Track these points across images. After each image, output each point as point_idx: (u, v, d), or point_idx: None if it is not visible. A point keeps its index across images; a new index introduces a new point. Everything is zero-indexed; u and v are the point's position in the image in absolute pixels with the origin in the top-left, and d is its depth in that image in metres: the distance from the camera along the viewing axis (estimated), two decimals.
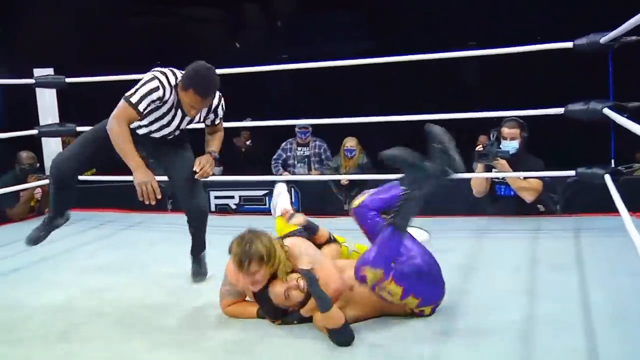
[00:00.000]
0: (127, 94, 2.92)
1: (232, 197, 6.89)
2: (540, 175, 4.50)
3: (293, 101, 8.84)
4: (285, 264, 2.73)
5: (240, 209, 6.79)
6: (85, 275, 3.62)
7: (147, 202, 2.82)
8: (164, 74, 3.02)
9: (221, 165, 8.14)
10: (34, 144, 5.73)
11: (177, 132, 3.22)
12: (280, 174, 6.84)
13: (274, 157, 6.97)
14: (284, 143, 7.02)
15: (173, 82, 3.01)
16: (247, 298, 2.94)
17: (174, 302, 3.10)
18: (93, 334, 2.76)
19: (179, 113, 3.11)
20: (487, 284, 3.15)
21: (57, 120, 5.56)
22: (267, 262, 2.69)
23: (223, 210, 6.78)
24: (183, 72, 3.00)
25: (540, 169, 4.52)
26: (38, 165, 5.60)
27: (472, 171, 4.65)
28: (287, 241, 2.85)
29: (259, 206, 6.73)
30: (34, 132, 5.41)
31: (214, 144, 3.26)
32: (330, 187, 6.67)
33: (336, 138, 6.87)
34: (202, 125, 3.33)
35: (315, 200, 6.53)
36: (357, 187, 6.42)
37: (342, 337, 2.51)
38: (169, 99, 3.02)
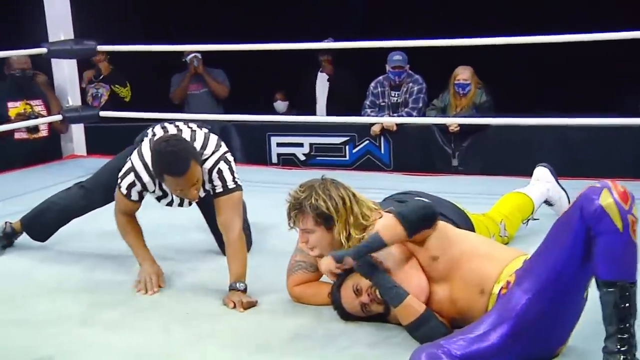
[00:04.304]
0: (118, 180, 3.33)
1: (301, 145, 6.91)
2: None
3: (383, 19, 8.71)
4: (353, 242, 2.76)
5: (310, 161, 6.82)
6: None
7: (143, 293, 3.21)
8: (144, 164, 3.25)
9: (286, 100, 8.14)
10: None
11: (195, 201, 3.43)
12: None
13: (367, 103, 6.83)
14: (372, 84, 6.86)
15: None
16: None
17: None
18: None
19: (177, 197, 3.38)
20: None
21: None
22: (325, 224, 2.76)
23: (288, 162, 6.83)
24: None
25: None
26: None
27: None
28: (381, 220, 2.81)
29: (337, 158, 6.73)
30: None
31: (233, 265, 3.16)
32: (433, 134, 6.58)
33: (444, 69, 6.75)
34: None
35: (413, 153, 6.47)
36: (472, 135, 6.32)
37: (425, 332, 2.53)
38: (155, 189, 3.33)
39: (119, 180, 3.30)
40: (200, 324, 2.88)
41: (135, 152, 3.31)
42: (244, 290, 3.05)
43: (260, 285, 3.15)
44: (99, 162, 5.16)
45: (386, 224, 2.65)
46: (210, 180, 3.26)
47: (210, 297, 3.13)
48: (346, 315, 2.81)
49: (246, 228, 3.60)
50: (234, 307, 2.99)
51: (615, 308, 2.17)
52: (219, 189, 3.25)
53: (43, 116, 5.95)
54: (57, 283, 3.40)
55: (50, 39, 5.73)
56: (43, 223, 3.85)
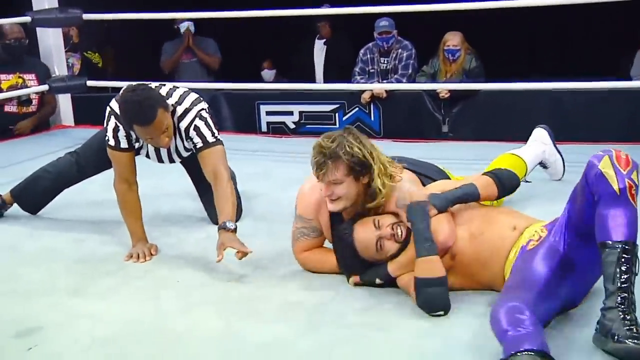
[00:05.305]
0: (106, 139, 3.37)
1: (290, 114, 6.90)
2: None
3: None
4: (379, 198, 2.77)
5: (300, 129, 6.81)
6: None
7: (134, 261, 3.24)
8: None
9: (273, 69, 8.10)
10: None
11: (177, 158, 3.56)
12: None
13: (356, 70, 6.81)
14: (362, 51, 6.84)
15: None
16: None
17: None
18: None
19: (152, 148, 3.44)
20: None
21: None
22: (355, 172, 2.72)
23: (278, 130, 6.82)
24: None
25: None
26: None
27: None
28: (406, 173, 2.89)
29: (327, 126, 6.71)
30: None
31: (223, 206, 3.16)
32: (423, 100, 6.57)
33: (433, 35, 6.72)
34: None
35: (403, 120, 6.46)
36: (461, 101, 6.32)
37: (433, 293, 2.53)
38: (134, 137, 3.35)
39: (105, 133, 3.34)
40: (191, 292, 2.89)
41: (113, 99, 3.34)
42: (234, 230, 3.04)
43: (251, 253, 3.15)
44: (87, 132, 5.15)
45: (484, 182, 2.83)
46: (189, 138, 3.31)
47: (201, 266, 3.13)
48: (350, 256, 2.79)
49: (236, 196, 3.60)
50: (221, 259, 2.96)
51: (616, 268, 2.21)
52: (200, 145, 3.30)
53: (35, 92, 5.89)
54: (47, 253, 3.40)
55: (35, 7, 5.67)
56: (36, 193, 3.86)
